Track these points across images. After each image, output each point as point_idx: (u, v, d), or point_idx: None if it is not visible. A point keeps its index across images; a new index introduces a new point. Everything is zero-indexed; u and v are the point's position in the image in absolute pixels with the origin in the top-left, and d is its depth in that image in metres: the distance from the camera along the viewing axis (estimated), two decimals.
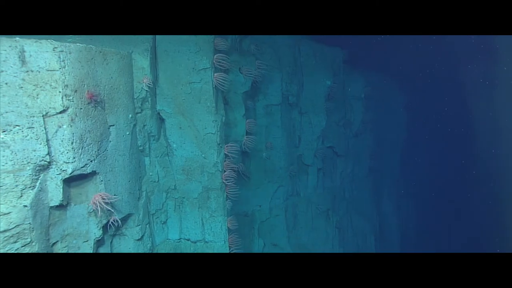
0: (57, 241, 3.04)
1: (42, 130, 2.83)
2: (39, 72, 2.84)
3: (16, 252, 2.69)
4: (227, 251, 4.31)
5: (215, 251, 4.26)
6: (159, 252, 4.08)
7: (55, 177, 2.92)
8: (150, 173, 4.03)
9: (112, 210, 3.29)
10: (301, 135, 6.72)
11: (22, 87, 2.77)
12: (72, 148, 2.94)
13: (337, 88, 7.27)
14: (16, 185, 2.70)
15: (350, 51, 7.43)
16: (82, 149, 3.03)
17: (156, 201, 4.08)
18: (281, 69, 6.05)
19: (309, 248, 6.58)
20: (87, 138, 3.08)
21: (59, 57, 2.88)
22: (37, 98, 2.83)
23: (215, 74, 4.17)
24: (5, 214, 2.64)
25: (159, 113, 4.08)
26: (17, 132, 2.73)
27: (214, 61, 4.16)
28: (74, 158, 2.96)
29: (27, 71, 2.80)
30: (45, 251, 2.90)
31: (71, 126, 2.93)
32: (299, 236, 6.65)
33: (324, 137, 7.10)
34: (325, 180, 7.35)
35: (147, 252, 3.85)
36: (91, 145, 3.13)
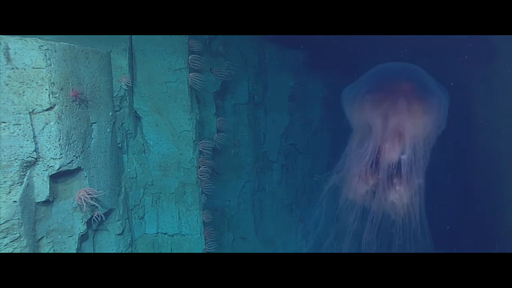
0: (43, 236, 3.09)
1: (29, 127, 2.88)
2: (24, 69, 2.89)
3: (5, 247, 2.73)
4: (203, 243, 4.51)
5: (192, 244, 4.45)
6: (137, 246, 4.19)
7: (42, 173, 2.97)
8: (128, 170, 4.13)
9: (97, 205, 3.37)
10: (266, 133, 7.05)
11: (8, 84, 2.81)
12: (59, 145, 3.01)
13: (299, 89, 7.70)
14: (5, 181, 2.73)
15: (309, 53, 7.89)
16: (68, 145, 3.11)
17: (134, 197, 4.18)
18: (247, 70, 6.33)
19: (275, 240, 6.93)
20: (72, 135, 3.16)
21: (45, 55, 2.94)
22: (23, 95, 2.87)
23: (190, 74, 4.36)
24: None
25: (136, 111, 4.19)
26: (4, 129, 2.77)
27: (189, 62, 4.35)
28: (61, 154, 3.03)
29: (13, 68, 2.84)
30: (32, 247, 2.94)
31: (58, 123, 3.00)
32: (266, 229, 6.98)
33: (287, 135, 7.49)
34: (288, 175, 7.75)
35: (127, 246, 3.95)
36: (76, 142, 3.21)
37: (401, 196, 2.47)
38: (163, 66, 4.21)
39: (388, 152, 2.43)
